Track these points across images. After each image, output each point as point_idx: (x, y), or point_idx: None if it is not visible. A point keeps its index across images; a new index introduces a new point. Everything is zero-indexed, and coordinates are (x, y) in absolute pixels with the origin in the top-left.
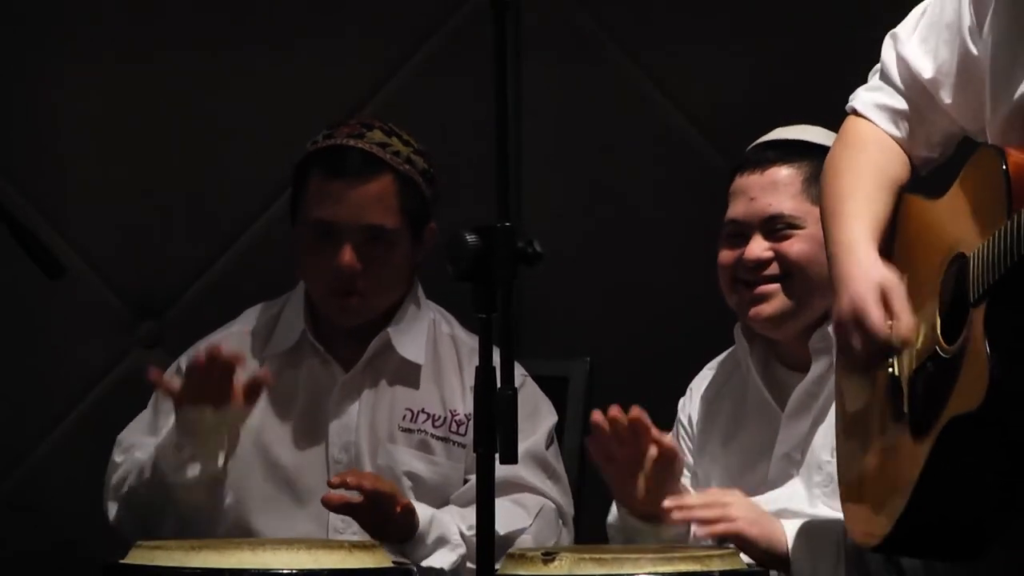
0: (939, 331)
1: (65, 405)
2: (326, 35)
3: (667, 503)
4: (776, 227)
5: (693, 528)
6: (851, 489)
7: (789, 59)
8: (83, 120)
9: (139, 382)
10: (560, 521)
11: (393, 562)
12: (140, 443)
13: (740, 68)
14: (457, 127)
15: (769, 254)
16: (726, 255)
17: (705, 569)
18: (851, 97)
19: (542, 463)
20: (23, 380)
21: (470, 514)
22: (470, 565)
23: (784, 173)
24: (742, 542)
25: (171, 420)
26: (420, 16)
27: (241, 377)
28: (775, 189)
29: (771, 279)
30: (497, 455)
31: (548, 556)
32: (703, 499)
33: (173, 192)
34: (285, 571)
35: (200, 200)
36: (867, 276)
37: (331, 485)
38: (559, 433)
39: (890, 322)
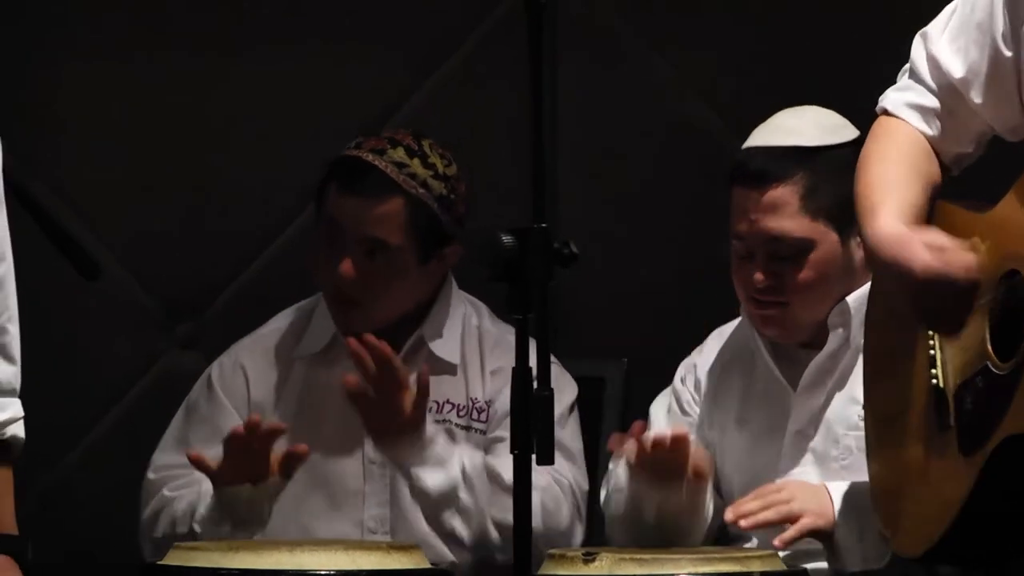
0: (989, 346)
1: (101, 406)
2: (362, 39)
3: (728, 516)
4: (779, 250)
5: (775, 542)
6: (888, 497)
7: (816, 59)
8: (120, 121)
9: (174, 383)
10: (572, 497)
11: (431, 563)
12: (173, 474)
13: (770, 71)
14: (493, 129)
15: (771, 282)
16: (736, 270)
17: (745, 570)
18: (881, 98)
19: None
20: (60, 381)
21: (479, 456)
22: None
23: (780, 192)
24: (813, 536)
25: (202, 433)
26: (455, 18)
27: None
28: (774, 211)
29: (776, 303)
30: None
31: (588, 556)
32: (761, 502)
33: (209, 193)
34: (323, 572)
35: (237, 202)
36: (910, 248)
37: (351, 345)
38: (596, 432)
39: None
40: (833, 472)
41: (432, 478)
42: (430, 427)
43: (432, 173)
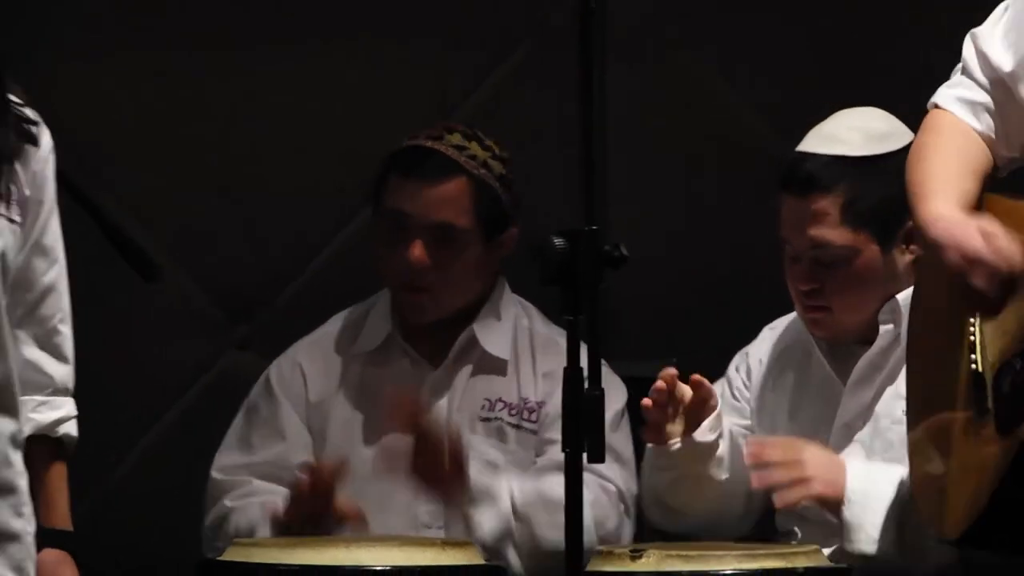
0: None
1: (160, 406)
2: (420, 42)
3: (748, 449)
4: (822, 257)
5: (774, 498)
6: (928, 483)
7: (864, 64)
8: (180, 122)
9: (232, 384)
10: (620, 504)
11: (484, 559)
12: (235, 479)
13: (817, 75)
14: (545, 134)
15: (815, 285)
16: (788, 271)
17: (789, 566)
18: (934, 96)
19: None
20: (119, 382)
21: (528, 480)
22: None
23: (823, 203)
24: (819, 504)
25: (262, 432)
26: (510, 26)
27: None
28: (816, 220)
29: (821, 307)
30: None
31: (635, 553)
32: (780, 453)
33: (267, 195)
34: (378, 567)
35: (294, 204)
36: (963, 229)
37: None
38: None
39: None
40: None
41: (487, 523)
42: (474, 464)
43: (490, 154)
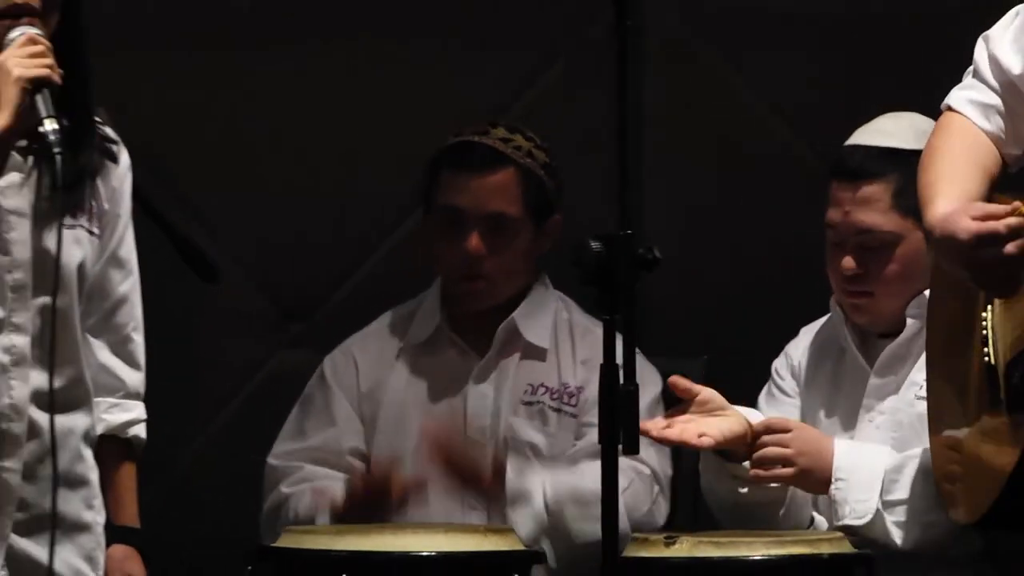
0: None
1: (218, 401)
2: (468, 52)
3: (755, 425)
4: (868, 242)
5: (751, 468)
6: (947, 471)
7: (891, 77)
8: (233, 124)
9: (287, 380)
10: (656, 487)
11: (524, 546)
12: (290, 465)
13: (847, 86)
14: (585, 141)
15: (860, 270)
16: (830, 257)
17: (815, 552)
18: (947, 97)
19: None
20: (179, 378)
21: (560, 471)
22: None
23: (873, 189)
24: (805, 483)
25: (316, 421)
26: (553, 37)
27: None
28: (866, 205)
29: (863, 292)
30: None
31: (669, 539)
32: (768, 437)
33: (320, 196)
34: (424, 553)
35: (347, 204)
36: (966, 227)
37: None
38: None
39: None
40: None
41: (523, 525)
42: (511, 465)
43: (533, 144)
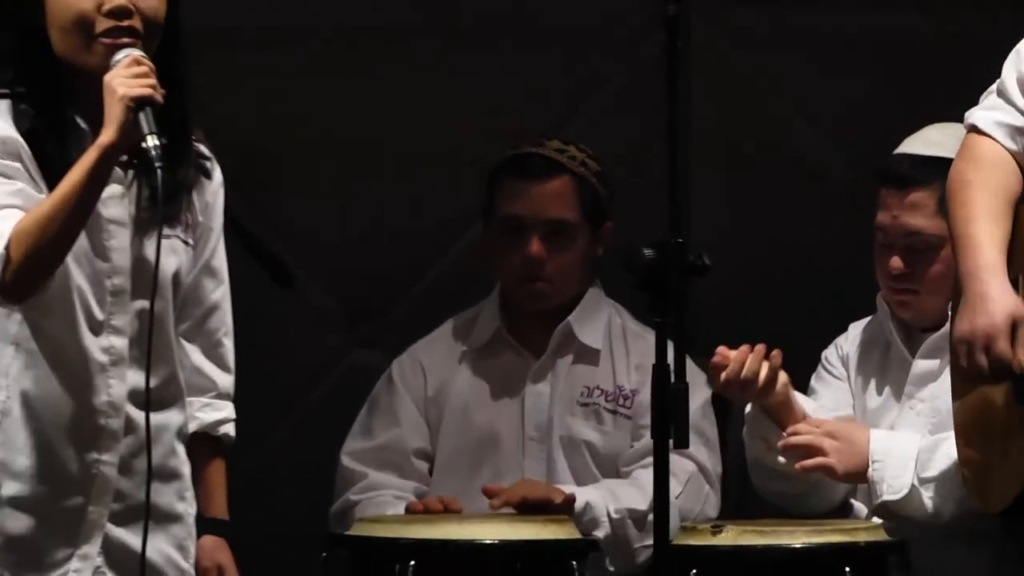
0: None
1: (293, 399)
2: (530, 71)
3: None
4: (915, 244)
5: (795, 466)
6: (972, 460)
7: (930, 99)
8: (306, 133)
9: (357, 380)
10: (707, 485)
11: (581, 534)
12: (358, 468)
13: (888, 110)
14: (638, 155)
15: (907, 270)
16: (878, 257)
17: (852, 540)
18: (967, 115)
19: (696, 429)
20: (256, 377)
21: (623, 492)
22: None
23: (921, 195)
24: (843, 476)
25: (383, 422)
26: (608, 57)
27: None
28: (914, 210)
29: (909, 290)
30: (671, 441)
31: (716, 528)
32: (806, 436)
33: (389, 202)
34: (487, 540)
35: (414, 211)
36: (1001, 306)
37: (485, 493)
38: (724, 422)
39: (1015, 351)
40: (921, 430)
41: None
42: (574, 492)
43: (586, 155)
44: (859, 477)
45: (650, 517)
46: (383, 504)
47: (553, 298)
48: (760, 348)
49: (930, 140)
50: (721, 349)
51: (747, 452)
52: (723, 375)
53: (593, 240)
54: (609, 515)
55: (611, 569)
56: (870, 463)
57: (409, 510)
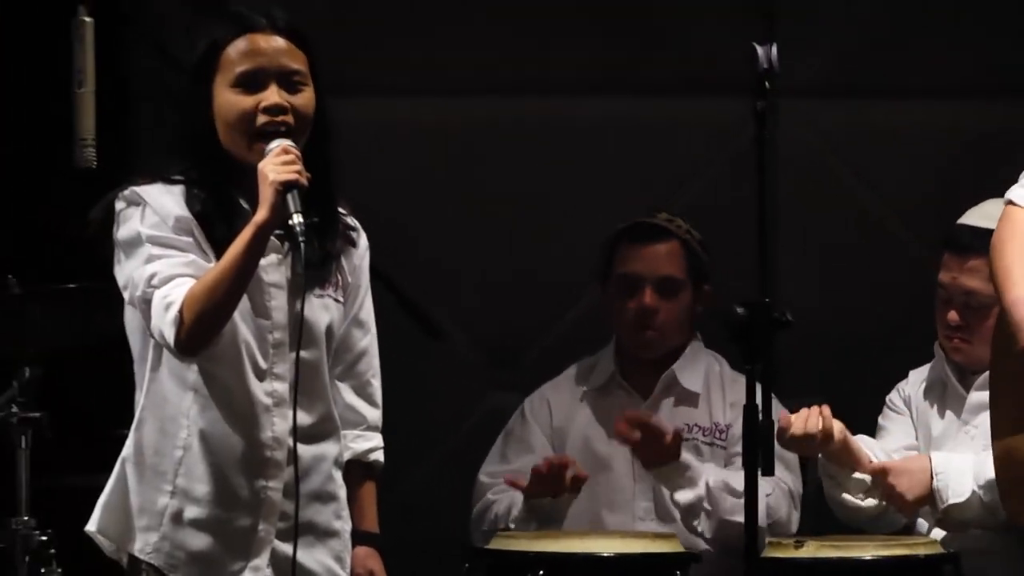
0: None
1: (439, 437)
2: (640, 154)
3: (872, 466)
4: (971, 302)
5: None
6: (1009, 479)
7: (979, 152)
8: (444, 177)
9: (496, 419)
10: (790, 498)
11: (685, 548)
12: (495, 482)
13: (958, 185)
14: (734, 225)
15: (963, 323)
16: (939, 310)
17: (912, 552)
18: (1008, 192)
19: (778, 455)
20: (407, 417)
21: (725, 473)
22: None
23: (977, 262)
24: (912, 505)
25: (516, 449)
26: (709, 144)
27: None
28: (971, 273)
29: (963, 339)
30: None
31: (799, 543)
32: (874, 474)
33: (524, 258)
34: (604, 553)
35: (540, 272)
36: None
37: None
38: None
39: None
40: (976, 450)
41: (683, 495)
42: (685, 455)
43: (689, 225)
44: (925, 500)
45: (741, 500)
46: (515, 496)
47: (661, 346)
48: (815, 409)
49: (987, 214)
50: (783, 414)
51: (824, 488)
52: (787, 435)
53: (695, 298)
54: (708, 482)
55: (700, 530)
56: (933, 475)
57: (535, 471)
